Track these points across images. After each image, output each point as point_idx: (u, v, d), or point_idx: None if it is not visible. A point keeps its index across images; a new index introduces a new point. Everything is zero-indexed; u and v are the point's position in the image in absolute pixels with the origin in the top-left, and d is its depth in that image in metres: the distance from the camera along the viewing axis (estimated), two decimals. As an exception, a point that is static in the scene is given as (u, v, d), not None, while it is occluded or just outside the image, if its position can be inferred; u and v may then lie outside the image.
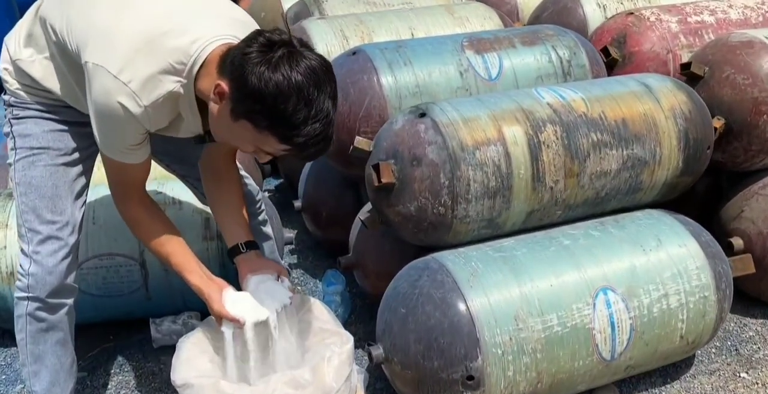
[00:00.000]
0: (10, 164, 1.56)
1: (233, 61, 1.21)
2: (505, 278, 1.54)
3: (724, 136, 1.95)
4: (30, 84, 1.50)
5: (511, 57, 1.98)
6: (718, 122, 1.92)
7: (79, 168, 1.55)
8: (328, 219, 2.19)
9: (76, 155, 1.54)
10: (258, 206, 1.83)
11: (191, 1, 1.39)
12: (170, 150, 1.64)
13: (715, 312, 1.67)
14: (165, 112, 1.34)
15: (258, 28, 1.35)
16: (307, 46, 1.25)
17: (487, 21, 2.40)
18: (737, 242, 1.97)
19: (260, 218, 1.84)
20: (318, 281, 2.27)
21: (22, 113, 1.52)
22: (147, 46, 1.26)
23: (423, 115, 1.61)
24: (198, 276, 1.49)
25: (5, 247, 1.90)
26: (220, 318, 1.46)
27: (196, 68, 1.29)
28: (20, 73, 1.50)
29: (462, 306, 1.49)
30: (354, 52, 1.97)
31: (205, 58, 1.28)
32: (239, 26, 1.34)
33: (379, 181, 1.56)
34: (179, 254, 1.50)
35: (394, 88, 1.87)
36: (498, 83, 1.95)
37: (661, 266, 1.62)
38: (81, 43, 1.32)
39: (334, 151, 1.87)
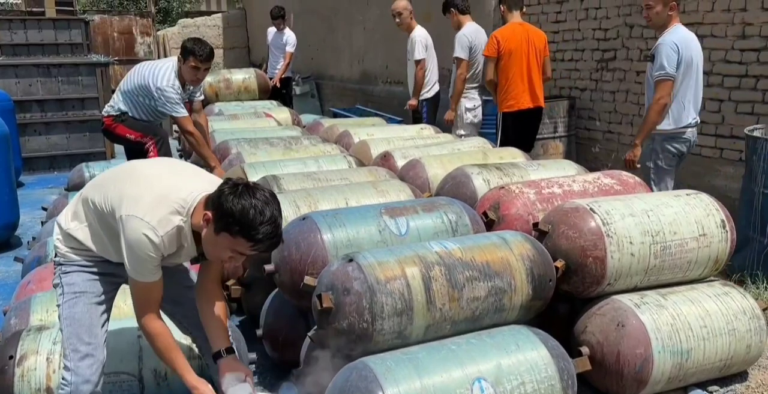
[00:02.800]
0: (58, 306, 2.22)
1: (213, 198, 2.01)
2: (410, 373, 2.20)
3: (566, 273, 2.75)
4: (75, 246, 2.22)
5: (415, 220, 2.82)
6: (560, 263, 2.74)
7: (104, 307, 2.25)
8: (284, 343, 2.84)
9: (103, 297, 2.24)
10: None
11: (182, 172, 2.23)
12: (166, 295, 2.30)
13: (561, 396, 2.36)
14: (173, 240, 2.08)
15: None
16: (257, 185, 2.04)
17: (401, 193, 3.27)
18: (584, 350, 2.70)
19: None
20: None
21: (68, 269, 2.23)
22: (161, 199, 2.05)
23: (351, 260, 2.37)
24: (194, 377, 2.15)
25: (35, 369, 2.45)
26: None
27: (191, 210, 2.06)
28: (68, 239, 2.23)
29: (380, 393, 2.14)
30: (304, 218, 2.77)
31: (196, 203, 2.06)
32: (214, 184, 2.13)
33: (322, 306, 2.27)
34: (180, 358, 2.17)
35: (333, 243, 2.65)
36: (406, 238, 2.76)
37: (518, 363, 2.32)
38: (115, 205, 2.08)
39: (289, 288, 2.61)
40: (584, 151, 6.33)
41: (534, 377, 2.31)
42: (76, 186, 4.97)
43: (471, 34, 5.54)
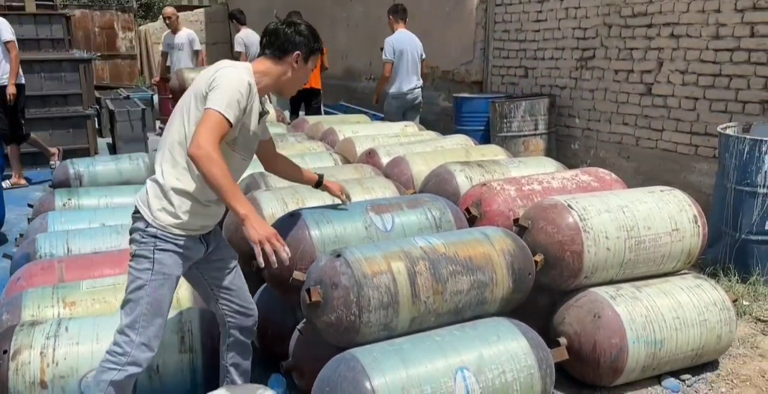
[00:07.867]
0: (138, 277, 2.20)
1: (283, 43, 2.39)
2: (396, 363, 2.29)
3: (544, 267, 2.86)
4: (178, 206, 2.22)
5: (400, 216, 2.90)
6: (539, 257, 2.84)
7: (175, 292, 2.33)
8: (273, 336, 2.91)
9: (176, 283, 2.31)
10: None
11: None
12: (224, 283, 2.46)
13: (540, 385, 2.46)
14: (251, 95, 2.31)
15: None
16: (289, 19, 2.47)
17: (387, 190, 3.36)
18: (563, 340, 2.81)
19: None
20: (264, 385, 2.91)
21: (164, 246, 2.21)
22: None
23: (339, 255, 2.45)
24: (245, 203, 2.20)
25: (30, 363, 2.50)
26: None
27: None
28: (172, 197, 2.23)
29: (367, 383, 2.22)
30: (292, 214, 2.84)
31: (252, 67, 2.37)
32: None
33: (310, 300, 2.36)
34: (234, 185, 2.19)
35: (320, 239, 2.73)
36: (392, 234, 2.84)
37: (499, 353, 2.42)
38: (200, 97, 2.24)
39: (278, 282, 2.69)
40: (564, 148, 6.46)
41: (514, 367, 2.41)
42: (61, 183, 4.98)
43: (243, 35, 8.27)
